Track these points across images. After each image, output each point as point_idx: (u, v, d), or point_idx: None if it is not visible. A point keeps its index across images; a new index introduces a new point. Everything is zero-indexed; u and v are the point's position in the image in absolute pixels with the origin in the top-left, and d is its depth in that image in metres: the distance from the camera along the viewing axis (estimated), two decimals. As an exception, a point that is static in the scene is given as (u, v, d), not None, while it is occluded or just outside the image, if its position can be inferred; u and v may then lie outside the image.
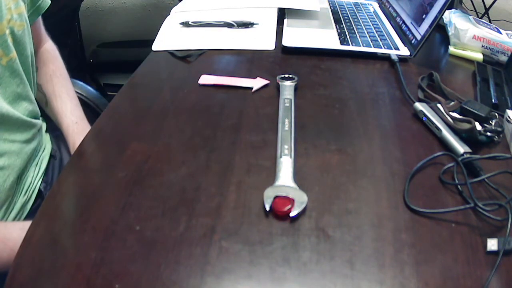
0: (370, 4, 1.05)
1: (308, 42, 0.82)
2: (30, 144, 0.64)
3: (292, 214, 0.45)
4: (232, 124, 0.60)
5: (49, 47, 0.79)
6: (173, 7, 0.98)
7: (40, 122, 0.69)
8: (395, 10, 0.95)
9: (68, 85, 0.77)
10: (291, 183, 0.48)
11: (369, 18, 0.96)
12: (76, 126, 0.71)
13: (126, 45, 1.95)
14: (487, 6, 1.58)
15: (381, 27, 0.90)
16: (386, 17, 0.97)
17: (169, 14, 0.96)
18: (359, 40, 0.83)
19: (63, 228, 0.44)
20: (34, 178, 0.65)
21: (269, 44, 0.83)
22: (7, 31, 0.57)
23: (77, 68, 1.73)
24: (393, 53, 0.79)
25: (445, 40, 0.88)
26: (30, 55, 0.65)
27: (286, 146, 0.54)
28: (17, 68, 0.60)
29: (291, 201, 0.45)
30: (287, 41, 0.81)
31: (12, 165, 0.59)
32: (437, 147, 0.57)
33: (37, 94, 0.73)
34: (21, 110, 0.62)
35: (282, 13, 0.95)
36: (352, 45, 0.81)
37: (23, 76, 0.62)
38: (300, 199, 0.46)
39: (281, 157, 0.52)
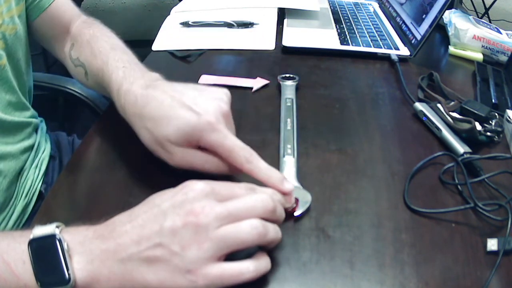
0: (370, 4, 1.05)
1: (308, 42, 0.82)
2: (25, 143, 0.63)
3: (296, 213, 0.45)
4: (232, 124, 0.60)
5: (83, 20, 0.68)
6: (173, 7, 0.98)
7: (37, 120, 0.68)
8: (395, 10, 0.95)
9: (115, 41, 0.61)
10: (295, 183, 0.48)
11: (369, 18, 0.96)
12: (123, 70, 0.52)
13: (126, 45, 1.94)
14: (487, 6, 1.58)
15: (381, 27, 0.90)
16: (386, 17, 0.97)
17: (169, 14, 0.96)
18: (359, 40, 0.83)
19: (63, 228, 0.44)
20: (35, 180, 0.65)
21: (269, 44, 0.83)
22: None
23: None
24: (393, 53, 0.79)
25: (445, 40, 0.88)
26: (23, 58, 0.63)
27: (289, 146, 0.54)
28: (6, 75, 0.58)
29: (295, 200, 0.45)
30: (287, 41, 0.81)
31: (7, 166, 0.58)
32: (437, 147, 0.57)
33: (75, 70, 0.63)
34: (14, 115, 0.61)
35: (282, 13, 0.95)
36: (352, 45, 0.81)
37: (13, 82, 0.60)
38: (304, 199, 0.46)
39: (284, 156, 0.52)
